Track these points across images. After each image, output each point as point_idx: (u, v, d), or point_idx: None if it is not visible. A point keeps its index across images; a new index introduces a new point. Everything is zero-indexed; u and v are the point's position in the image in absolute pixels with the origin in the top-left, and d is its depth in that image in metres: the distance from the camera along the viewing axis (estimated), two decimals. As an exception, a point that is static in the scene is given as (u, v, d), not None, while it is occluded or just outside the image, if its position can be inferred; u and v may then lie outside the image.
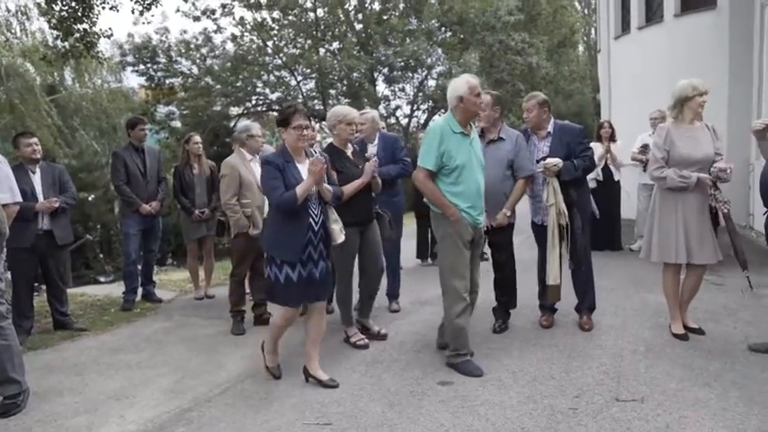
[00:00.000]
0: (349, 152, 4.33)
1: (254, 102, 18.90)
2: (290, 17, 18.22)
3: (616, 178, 7.53)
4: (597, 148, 7.51)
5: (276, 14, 18.29)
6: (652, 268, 4.23)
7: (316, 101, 19.08)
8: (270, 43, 18.52)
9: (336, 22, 18.91)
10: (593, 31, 28.65)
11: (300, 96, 18.86)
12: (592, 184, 7.24)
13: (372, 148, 5.00)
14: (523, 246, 5.32)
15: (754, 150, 7.73)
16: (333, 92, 19.00)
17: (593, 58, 23.21)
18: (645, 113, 7.49)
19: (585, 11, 29.99)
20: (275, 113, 19.76)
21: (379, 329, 4.49)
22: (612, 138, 7.53)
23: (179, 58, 17.89)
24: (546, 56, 20.39)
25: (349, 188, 4.05)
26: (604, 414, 3.06)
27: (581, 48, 29.01)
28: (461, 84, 3.65)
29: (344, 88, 18.70)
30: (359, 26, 19.30)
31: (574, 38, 27.37)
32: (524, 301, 4.67)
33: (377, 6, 19.25)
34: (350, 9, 19.33)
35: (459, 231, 3.67)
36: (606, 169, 7.45)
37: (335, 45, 18.92)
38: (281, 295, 3.55)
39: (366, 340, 4.32)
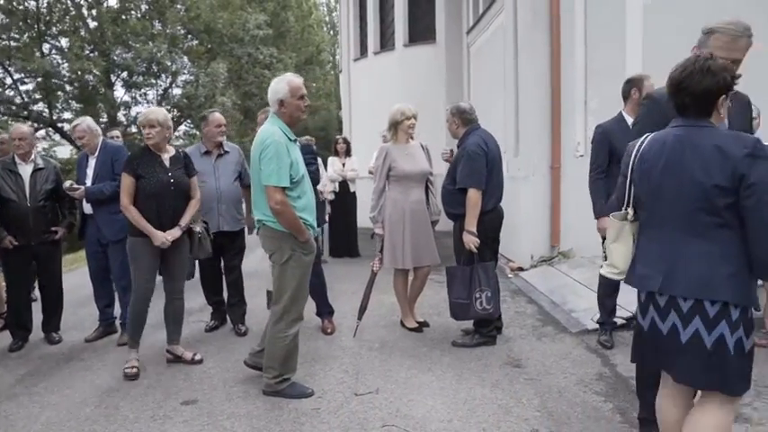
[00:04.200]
0: (165, 157, 3.93)
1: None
2: (2, 1, 15.67)
3: (352, 190, 8.12)
4: (335, 162, 8.06)
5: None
6: (386, 272, 4.71)
7: (39, 104, 16.74)
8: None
9: (65, 15, 16.85)
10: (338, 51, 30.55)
11: (19, 98, 16.34)
12: (330, 197, 7.73)
13: (92, 160, 4.63)
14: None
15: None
16: (61, 95, 16.88)
17: (338, 77, 24.75)
18: (379, 131, 8.28)
19: (332, 32, 31.86)
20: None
21: (192, 355, 4.12)
22: (348, 152, 8.11)
23: None
24: (294, 72, 21.08)
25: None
26: (344, 409, 3.30)
27: (329, 67, 30.66)
28: (282, 85, 3.30)
29: (76, 92, 16.76)
30: (93, 23, 17.50)
31: (321, 56, 28.86)
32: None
33: (115, 4, 17.73)
34: (81, 3, 17.41)
35: (309, 249, 3.41)
36: (343, 182, 7.99)
37: (64, 42, 16.87)
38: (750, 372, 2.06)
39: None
